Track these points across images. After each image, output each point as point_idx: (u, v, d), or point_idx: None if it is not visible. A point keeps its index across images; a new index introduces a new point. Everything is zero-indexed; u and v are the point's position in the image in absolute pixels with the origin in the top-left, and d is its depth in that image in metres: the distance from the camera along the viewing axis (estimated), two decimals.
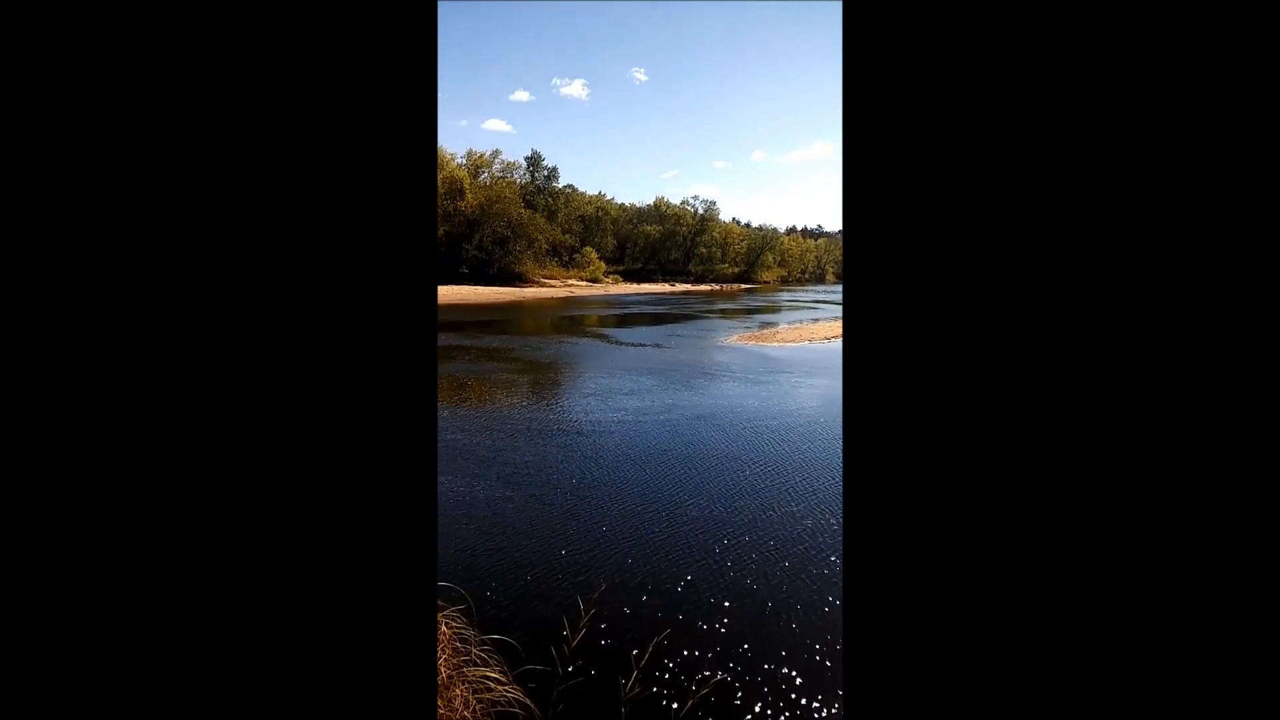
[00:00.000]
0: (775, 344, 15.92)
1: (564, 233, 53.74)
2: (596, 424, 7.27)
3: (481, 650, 2.48)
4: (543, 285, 46.62)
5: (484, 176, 50.61)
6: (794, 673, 2.83)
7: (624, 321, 23.08)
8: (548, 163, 56.08)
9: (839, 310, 28.95)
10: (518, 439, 6.59)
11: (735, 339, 16.95)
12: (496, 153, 52.23)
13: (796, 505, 4.86)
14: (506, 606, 3.33)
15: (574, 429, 7.05)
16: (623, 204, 70.62)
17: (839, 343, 15.38)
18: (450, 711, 2.17)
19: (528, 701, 2.34)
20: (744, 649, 3.00)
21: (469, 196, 46.48)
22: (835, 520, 4.53)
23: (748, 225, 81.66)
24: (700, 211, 69.83)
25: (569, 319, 23.86)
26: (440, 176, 46.18)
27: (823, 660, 2.93)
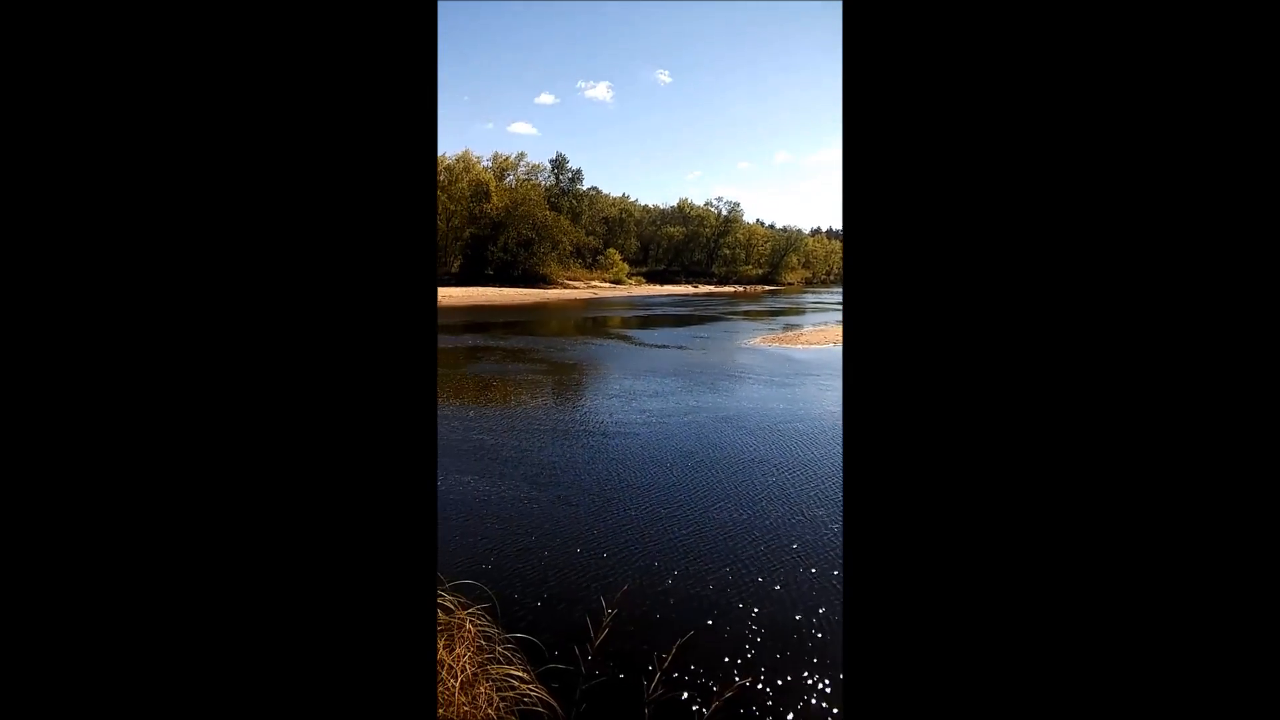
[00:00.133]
0: (800, 346, 15.77)
1: (588, 234, 54.05)
2: (621, 425, 7.28)
3: (505, 648, 2.49)
4: (566, 287, 46.88)
5: (509, 179, 51.15)
6: (818, 679, 2.79)
7: (647, 323, 23.09)
8: (572, 165, 56.48)
9: None
10: (544, 440, 6.63)
11: (759, 341, 16.83)
12: (521, 155, 52.83)
13: (823, 510, 4.80)
14: (531, 605, 3.35)
15: (599, 430, 7.06)
16: (646, 205, 70.83)
17: None
18: (474, 708, 2.18)
19: (551, 700, 2.34)
20: (769, 654, 2.97)
21: (494, 199, 47.01)
22: None
23: (771, 226, 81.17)
24: (724, 213, 69.59)
25: (592, 320, 23.94)
26: (466, 179, 46.82)
27: None
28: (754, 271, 69.87)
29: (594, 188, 61.61)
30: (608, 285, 51.34)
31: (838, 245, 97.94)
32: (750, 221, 75.23)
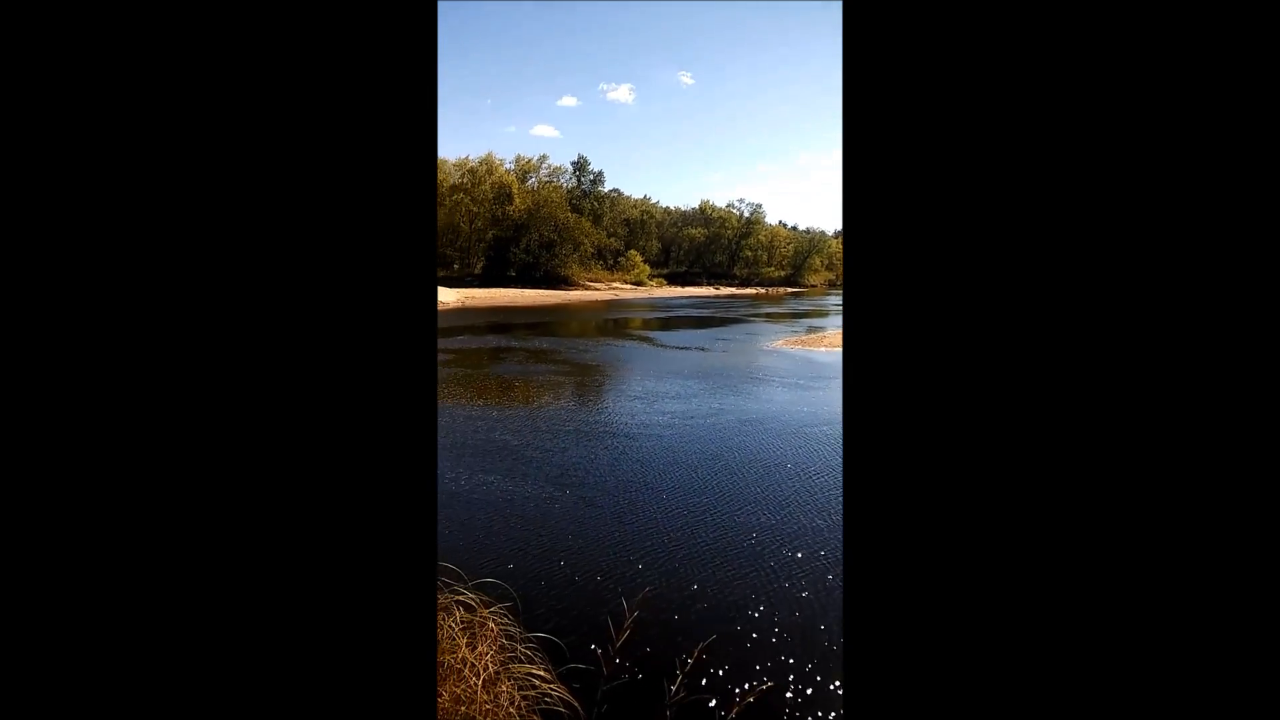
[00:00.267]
0: (823, 349, 15.61)
1: (609, 236, 54.22)
2: (644, 427, 7.27)
3: (527, 648, 2.50)
4: (587, 288, 47.07)
5: (531, 181, 51.54)
6: (841, 686, 2.75)
7: (668, 325, 23.06)
8: (594, 167, 56.72)
9: None
10: (566, 441, 6.65)
11: (781, 343, 16.71)
12: (544, 157, 53.22)
13: None
14: (552, 605, 3.35)
15: (622, 432, 7.06)
16: (667, 207, 70.78)
17: None
18: (496, 707, 2.19)
19: (572, 700, 2.34)
20: (794, 660, 2.93)
21: (517, 201, 47.42)
22: None
23: (794, 228, 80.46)
24: (746, 214, 69.28)
25: (613, 322, 23.99)
26: (489, 181, 47.29)
27: None
28: (776, 273, 69.39)
29: (615, 189, 61.78)
30: (629, 287, 51.43)
31: None
32: (773, 223, 74.71)
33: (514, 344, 15.49)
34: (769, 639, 3.09)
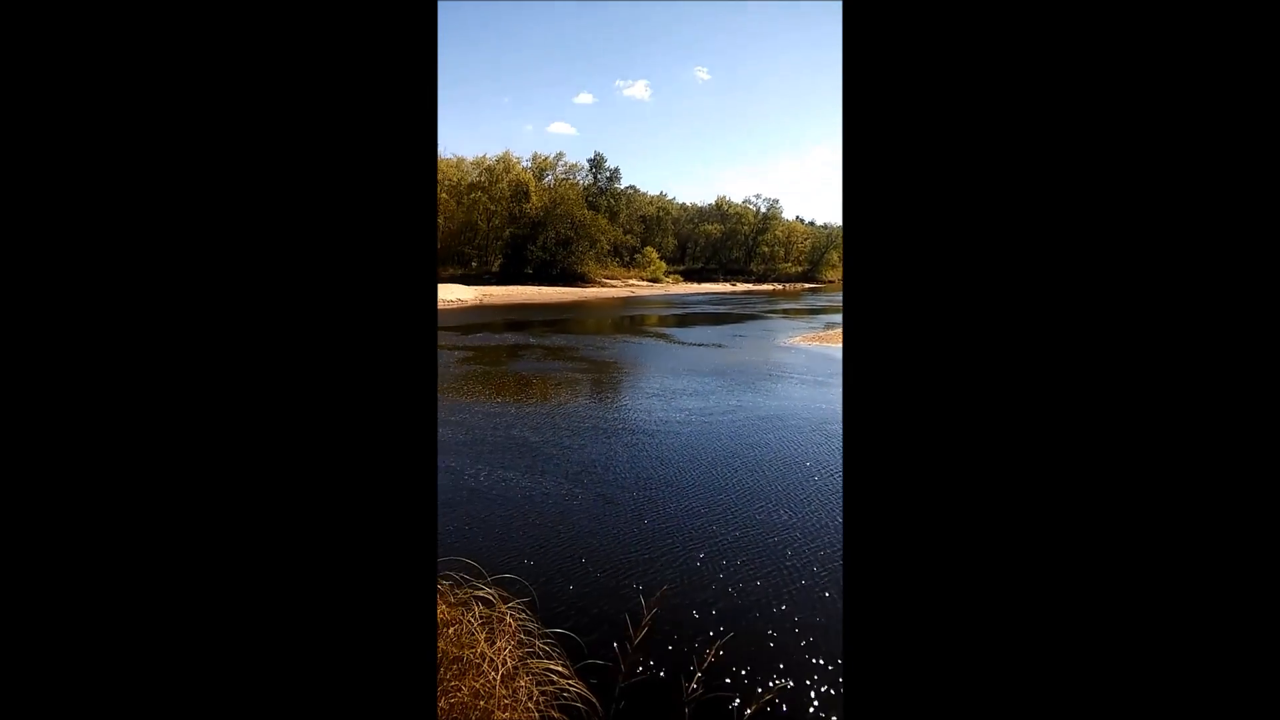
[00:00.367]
0: (841, 345, 15.45)
1: (625, 233, 54.18)
2: (661, 424, 7.27)
3: (545, 643, 2.51)
4: (604, 285, 47.12)
5: (548, 179, 51.68)
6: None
7: (685, 321, 23.01)
8: (610, 164, 56.67)
9: None
10: (585, 437, 6.67)
11: (799, 339, 16.59)
12: (560, 155, 53.32)
13: None
14: (571, 602, 3.37)
15: (639, 429, 7.07)
16: (684, 203, 70.47)
17: None
18: (515, 701, 2.21)
19: (590, 696, 2.35)
20: (813, 659, 2.91)
21: (534, 199, 47.60)
22: None
23: (811, 223, 79.78)
24: (762, 210, 68.79)
25: (630, 319, 24.00)
26: (507, 180, 47.51)
27: None
28: (793, 269, 68.87)
29: (632, 186, 61.72)
30: (645, 284, 51.38)
31: None
32: (789, 219, 74.15)
33: (531, 341, 15.57)
34: (789, 638, 3.07)
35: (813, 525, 4.42)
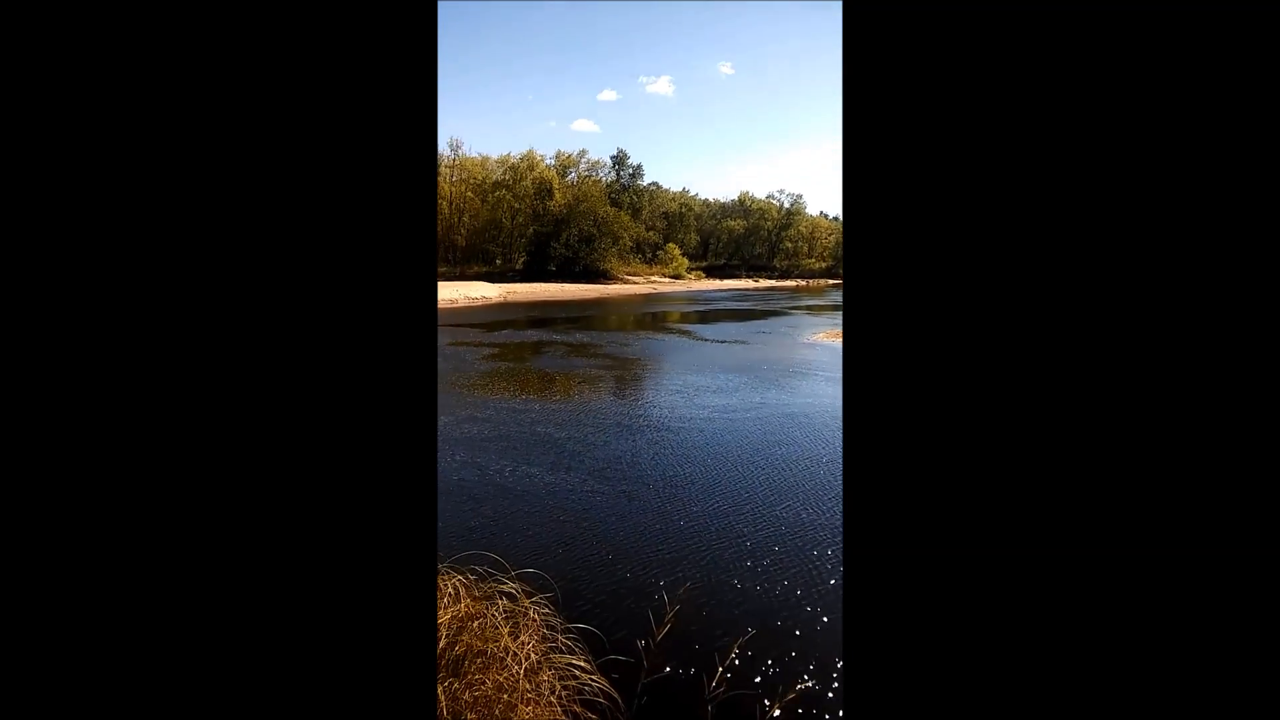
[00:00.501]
0: None
1: (648, 229, 54.20)
2: (685, 421, 7.25)
3: (568, 638, 2.53)
4: (626, 282, 47.14)
5: (571, 176, 51.85)
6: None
7: (707, 318, 22.92)
8: (632, 161, 56.61)
9: None
10: (608, 434, 6.69)
11: (823, 336, 16.40)
12: (583, 152, 53.39)
13: None
14: (594, 598, 3.38)
15: (663, 425, 7.06)
16: (706, 199, 70.19)
17: None
18: (538, 695, 2.22)
19: (612, 691, 2.36)
20: (837, 659, 2.88)
21: (557, 196, 47.80)
22: None
23: (835, 218, 78.77)
24: (786, 205, 68.21)
25: (652, 316, 23.99)
26: (530, 178, 47.80)
27: None
28: (817, 265, 68.12)
29: (654, 183, 61.61)
30: (667, 280, 51.28)
31: None
32: (813, 214, 73.33)
33: (555, 338, 15.65)
34: (814, 639, 3.04)
35: (838, 523, 4.37)
